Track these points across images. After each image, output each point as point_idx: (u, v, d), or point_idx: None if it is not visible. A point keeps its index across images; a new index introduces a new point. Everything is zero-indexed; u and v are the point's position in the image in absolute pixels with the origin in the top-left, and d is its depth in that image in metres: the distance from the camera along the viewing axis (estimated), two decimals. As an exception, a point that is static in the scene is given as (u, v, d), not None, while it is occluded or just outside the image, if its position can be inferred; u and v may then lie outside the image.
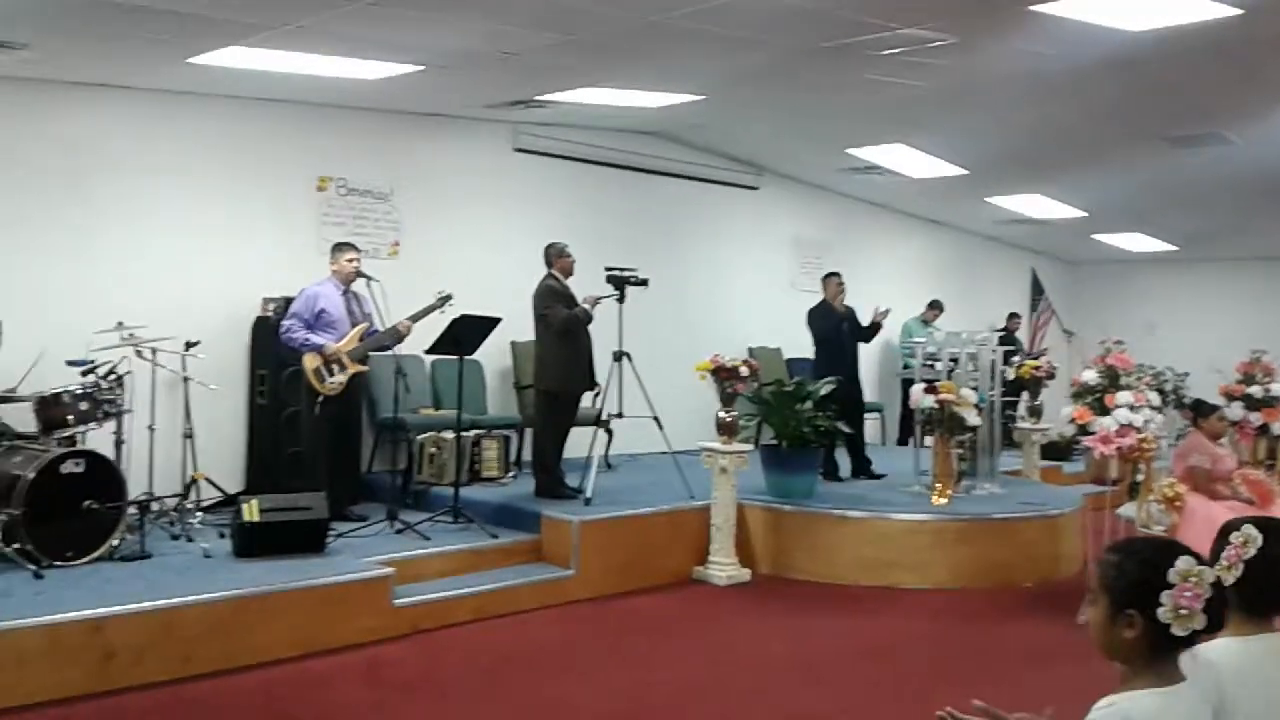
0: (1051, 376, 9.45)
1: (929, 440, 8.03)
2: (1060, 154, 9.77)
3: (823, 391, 7.63)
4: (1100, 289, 15.26)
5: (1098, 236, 13.71)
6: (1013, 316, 12.98)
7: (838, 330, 8.60)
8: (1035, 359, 9.94)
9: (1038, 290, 14.99)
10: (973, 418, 7.61)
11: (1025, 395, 9.63)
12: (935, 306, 11.95)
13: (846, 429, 7.95)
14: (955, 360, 8.39)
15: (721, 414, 7.09)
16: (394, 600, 5.67)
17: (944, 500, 7.51)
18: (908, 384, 10.16)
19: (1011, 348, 9.52)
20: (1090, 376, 6.56)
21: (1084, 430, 6.46)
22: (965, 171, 10.40)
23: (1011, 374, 9.30)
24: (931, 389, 7.59)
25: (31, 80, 6.77)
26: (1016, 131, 9.08)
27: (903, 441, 11.39)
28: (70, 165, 7.00)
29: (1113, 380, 6.50)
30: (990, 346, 8.51)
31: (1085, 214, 12.18)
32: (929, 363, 8.48)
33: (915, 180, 10.78)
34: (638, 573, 6.85)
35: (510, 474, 8.08)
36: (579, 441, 7.61)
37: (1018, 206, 12.08)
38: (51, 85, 6.89)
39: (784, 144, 10.22)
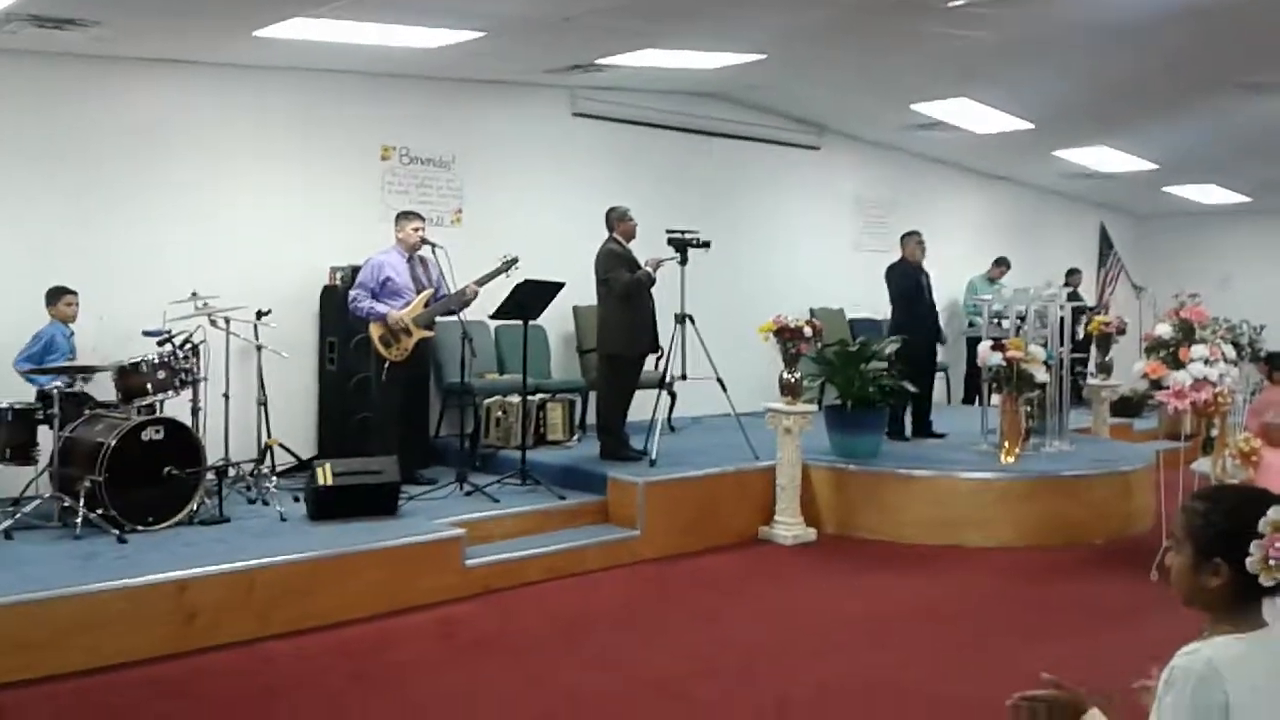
0: (1122, 332, 9.29)
1: (995, 399, 7.94)
2: (1129, 104, 9.52)
3: (888, 350, 7.57)
4: (1171, 242, 14.89)
5: (1168, 189, 13.37)
6: (1073, 273, 12.73)
7: (918, 288, 8.51)
8: (1103, 314, 9.76)
9: (1106, 245, 14.68)
10: (1041, 375, 7.51)
11: (1094, 351, 9.48)
12: (1001, 263, 11.76)
13: (912, 388, 7.88)
14: (1022, 317, 8.28)
15: (785, 375, 7.08)
16: (465, 561, 5.77)
17: (1012, 458, 7.43)
18: (973, 342, 10.06)
19: (1080, 303, 9.35)
20: (1164, 330, 6.42)
21: (1157, 385, 6.34)
22: (1031, 125, 10.18)
23: (1082, 331, 9.17)
24: (999, 346, 7.49)
25: (103, 58, 6.90)
26: (1084, 82, 8.85)
27: (968, 400, 11.27)
28: (142, 141, 7.14)
29: (1187, 334, 6.35)
30: (1059, 302, 8.37)
31: (1155, 166, 11.88)
32: (995, 320, 8.38)
33: (979, 135, 10.58)
34: (703, 533, 6.89)
35: (575, 437, 8.15)
36: (642, 404, 7.65)
37: (1085, 160, 11.81)
38: (122, 62, 7.02)
39: (845, 102, 10.08)
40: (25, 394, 6.04)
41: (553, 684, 4.55)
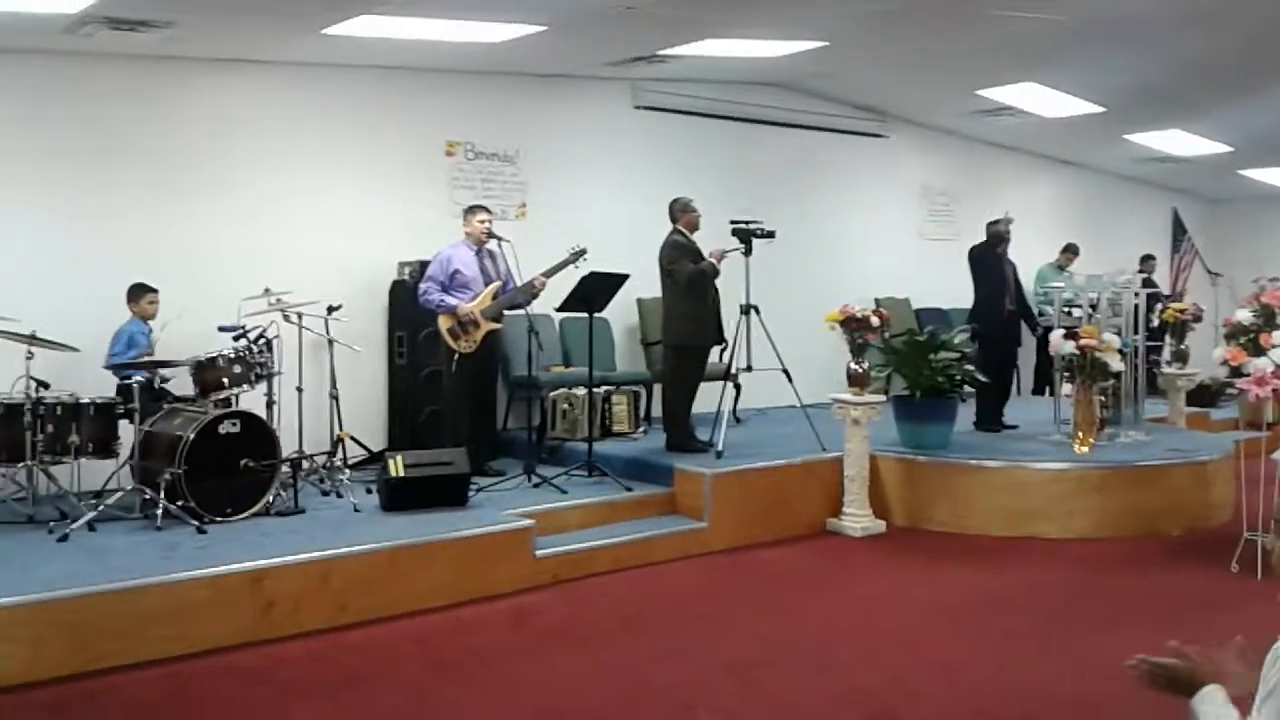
0: (1198, 319, 9.07)
1: (1068, 388, 7.80)
2: (1203, 86, 9.29)
3: (957, 339, 7.47)
4: (1247, 227, 14.50)
5: (1245, 172, 13.03)
6: (1147, 259, 12.45)
7: (1003, 277, 8.37)
8: (1178, 301, 9.55)
9: (1180, 230, 14.35)
10: (1116, 363, 7.36)
11: (1169, 340, 9.27)
12: (1070, 250, 11.54)
13: (983, 378, 7.77)
14: (1094, 305, 8.12)
15: (852, 365, 7.02)
16: (535, 551, 5.81)
17: (1086, 449, 7.30)
18: (1042, 332, 9.90)
19: (1153, 290, 9.15)
20: (1244, 316, 6.26)
21: (1237, 372, 6.18)
22: (1102, 109, 9.99)
23: (1156, 319, 8.97)
24: (1072, 335, 7.36)
25: (175, 59, 7.05)
26: (1156, 64, 8.65)
27: (1038, 391, 11.09)
28: (213, 140, 7.28)
29: (1268, 319, 6.19)
30: (1133, 290, 8.20)
31: (1230, 149, 11.59)
32: (1067, 309, 8.23)
33: (1048, 120, 10.41)
34: (771, 524, 6.87)
35: (640, 429, 8.16)
36: (707, 396, 7.64)
37: (1158, 144, 11.56)
38: (194, 63, 7.17)
39: (911, 89, 9.97)
40: (106, 389, 6.19)
41: (625, 672, 4.57)
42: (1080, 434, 7.36)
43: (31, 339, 5.72)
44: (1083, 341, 7.27)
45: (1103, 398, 7.68)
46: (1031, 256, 11.47)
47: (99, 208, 6.87)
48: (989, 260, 8.38)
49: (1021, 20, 7.05)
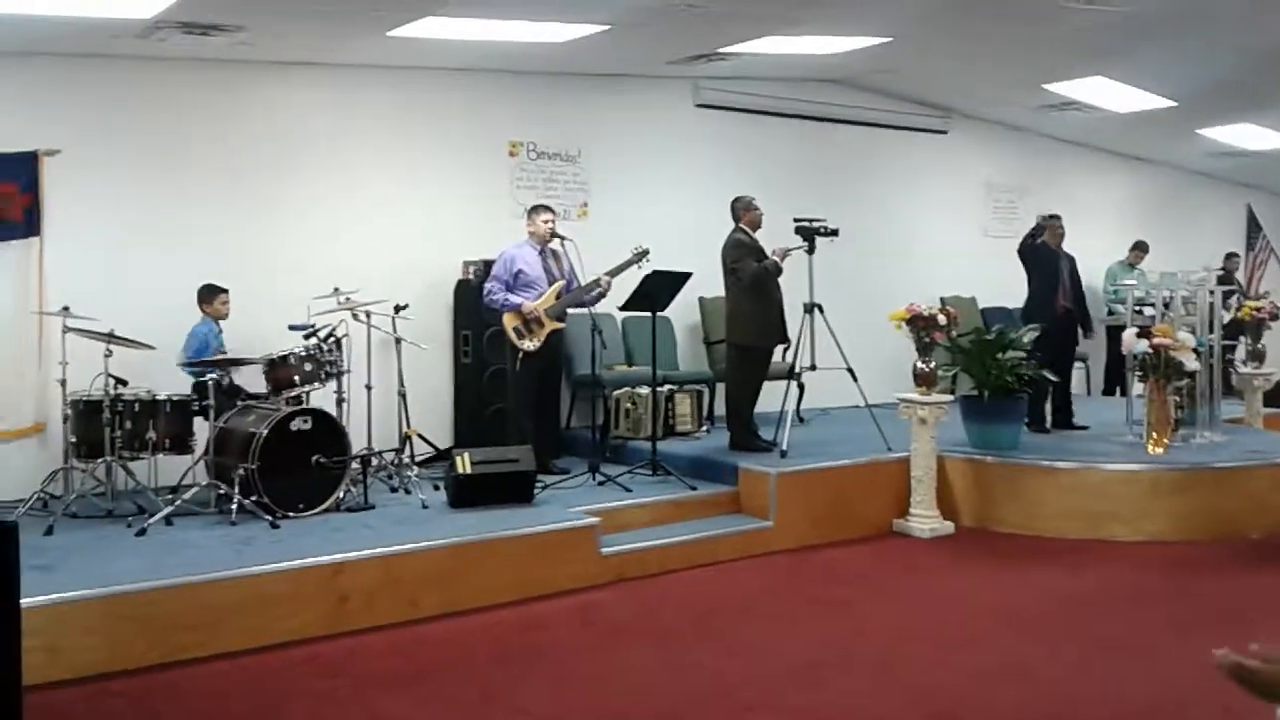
0: (1275, 318, 8.85)
1: (1140, 388, 7.65)
2: (1277, 78, 9.05)
3: (1026, 339, 7.36)
4: (1325, 224, 14.12)
5: (1322, 167, 12.69)
6: (1231, 256, 12.16)
7: (1055, 273, 8.24)
8: (1255, 300, 9.32)
9: (1254, 227, 13.99)
10: (1191, 362, 7.21)
11: (1245, 339, 9.06)
12: (1140, 248, 11.32)
13: (1053, 377, 7.64)
14: (1167, 304, 7.96)
15: (919, 364, 6.94)
16: (600, 549, 5.82)
17: (1160, 450, 7.15)
18: (1113, 331, 9.73)
19: (1230, 288, 8.94)
20: (1326, 313, 6.09)
21: (1319, 371, 6.02)
22: (1173, 103, 9.77)
23: (1229, 317, 8.77)
24: (1145, 333, 7.21)
25: (245, 62, 7.18)
26: (1231, 56, 8.44)
27: (1108, 391, 10.90)
28: (281, 142, 7.41)
29: (1351, 317, 6.02)
30: (1208, 288, 8.02)
31: (1308, 143, 11.29)
32: (1139, 307, 8.08)
33: (1117, 115, 10.21)
34: (837, 524, 6.82)
35: (704, 428, 8.15)
36: (770, 396, 7.60)
37: (1231, 138, 11.28)
38: (262, 66, 7.29)
39: (975, 84, 9.84)
40: (181, 387, 6.32)
41: (692, 670, 4.56)
42: (1154, 435, 7.21)
43: (110, 337, 5.86)
44: (1156, 340, 7.13)
45: (1177, 398, 7.53)
46: (1100, 254, 11.29)
47: (172, 209, 7.02)
48: (1038, 254, 8.24)
49: (1090, 12, 6.93)
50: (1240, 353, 9.15)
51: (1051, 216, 8.45)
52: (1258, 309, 8.84)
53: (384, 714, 4.07)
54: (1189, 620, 5.27)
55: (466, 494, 6.06)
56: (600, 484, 6.70)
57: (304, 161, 7.49)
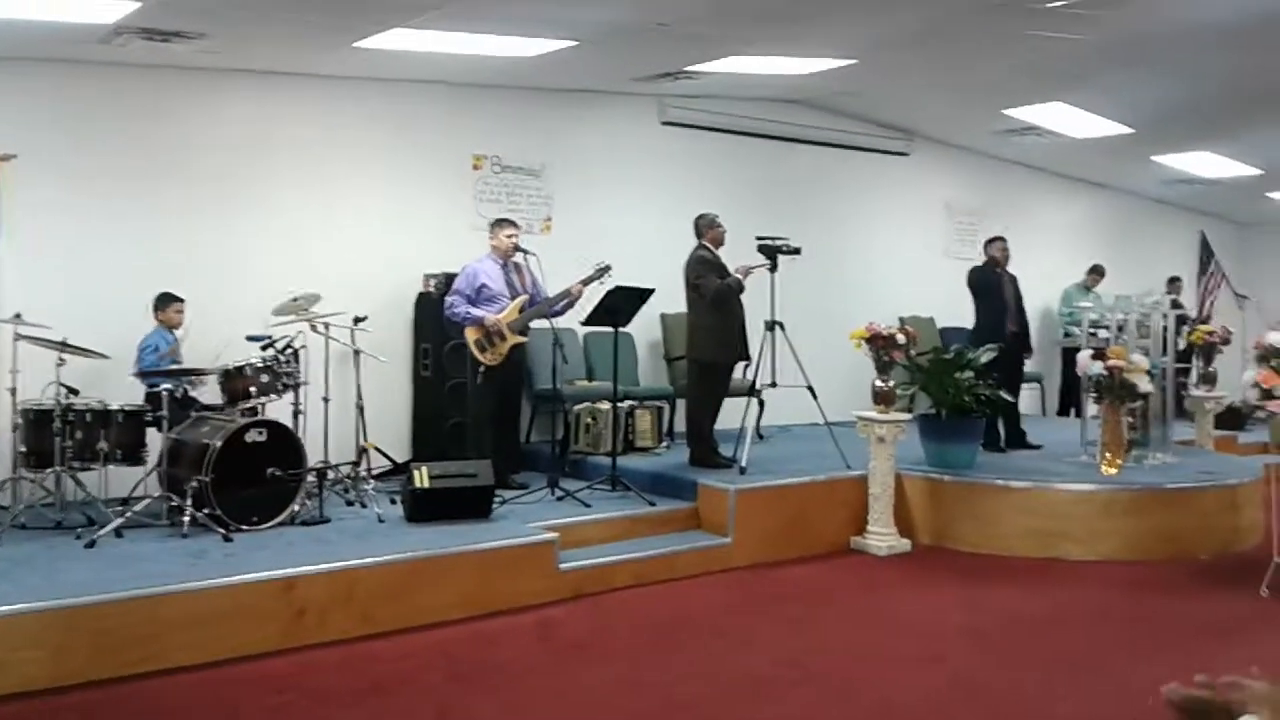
0: (1226, 342, 9.01)
1: (1095, 409, 7.74)
2: (1233, 108, 9.25)
3: (983, 359, 7.44)
4: (1276, 251, 14.40)
5: (1273, 195, 12.94)
6: (1173, 281, 12.37)
7: (997, 290, 8.35)
8: (1205, 324, 9.47)
9: (1207, 253, 14.25)
10: (1145, 384, 7.30)
11: (1197, 362, 9.20)
12: (1096, 271, 11.49)
13: (1009, 397, 7.73)
14: (1121, 327, 8.07)
15: (878, 382, 6.99)
16: (559, 564, 5.80)
17: (1114, 470, 7.23)
18: (1069, 352, 9.85)
19: (1181, 312, 9.09)
20: (1276, 339, 6.20)
21: (1269, 395, 6.12)
22: (1130, 130, 9.94)
23: (1184, 341, 8.92)
24: (1100, 355, 7.31)
25: (207, 70, 7.11)
26: (1185, 85, 8.62)
27: (1063, 412, 11.03)
28: (243, 151, 7.35)
29: (1300, 342, 6.13)
30: (1161, 311, 8.15)
31: (1260, 172, 11.54)
32: (1094, 329, 8.19)
33: (1076, 140, 10.38)
34: (795, 541, 6.84)
35: (664, 444, 8.15)
36: (730, 412, 7.62)
37: (1187, 166, 11.50)
38: (225, 74, 7.23)
39: (937, 107, 9.96)
40: (134, 397, 6.23)
41: (649, 687, 4.54)
42: (1108, 455, 7.30)
43: (63, 345, 5.77)
44: (1111, 362, 7.22)
45: (1131, 419, 7.63)
46: (1056, 276, 11.45)
47: (130, 217, 6.93)
48: (990, 281, 8.37)
49: (1050, 40, 7.04)
50: (1193, 376, 9.30)
51: (995, 238, 8.59)
52: (1210, 333, 8.99)
53: (336, 730, 4.03)
54: (1143, 640, 5.32)
55: (424, 508, 6.01)
56: (559, 499, 6.68)
57: (266, 171, 7.43)
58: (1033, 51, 7.50)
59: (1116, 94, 8.99)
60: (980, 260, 8.79)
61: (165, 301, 6.59)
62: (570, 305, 6.96)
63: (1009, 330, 8.34)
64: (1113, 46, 7.33)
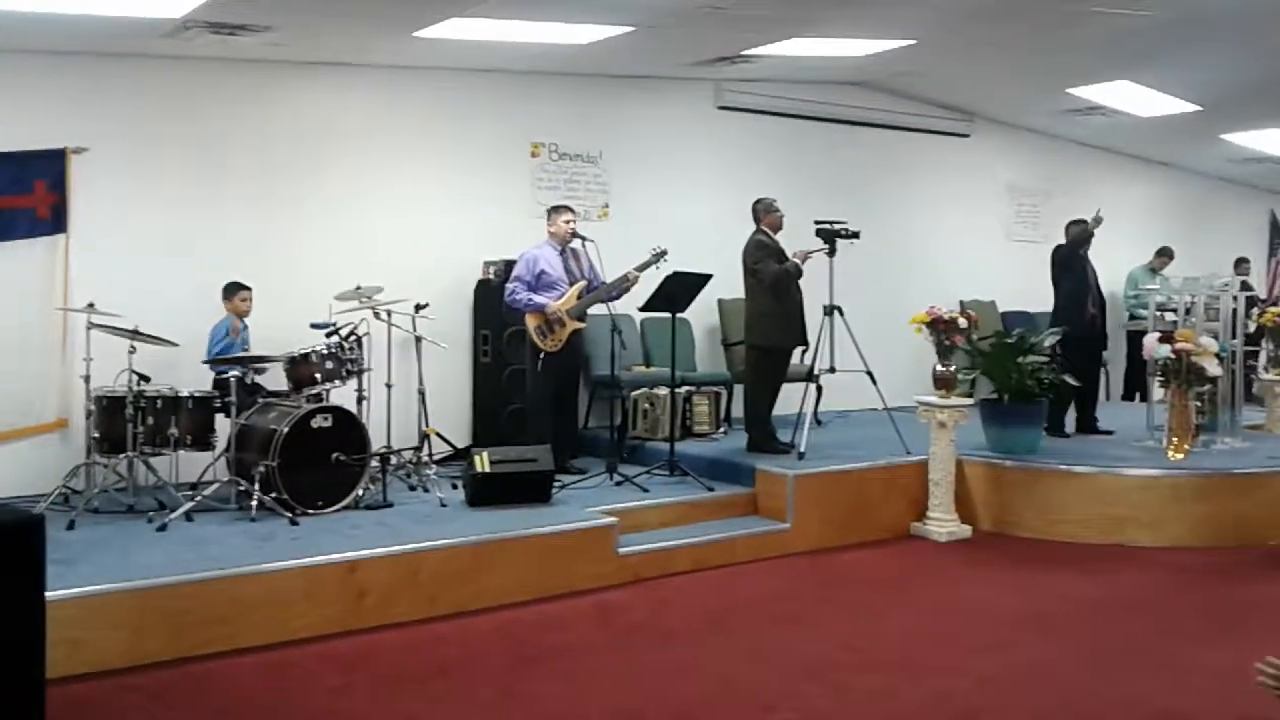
0: (1298, 324, 8.79)
1: (1161, 393, 7.61)
2: (1308, 84, 9.00)
3: (1047, 343, 7.34)
4: (1349, 230, 14.00)
5: (1348, 173, 12.60)
6: (1240, 262, 12.07)
7: (1084, 277, 8.19)
8: (1275, 305, 9.25)
9: (1276, 234, 13.88)
10: (1213, 368, 7.16)
11: (1267, 345, 9.00)
12: (1164, 254, 11.23)
13: (1074, 382, 7.62)
14: (1189, 309, 7.91)
15: (939, 367, 6.93)
16: (618, 549, 5.83)
17: (1181, 455, 7.10)
18: (1134, 336, 9.68)
19: (1250, 294, 8.88)
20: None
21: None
22: (1198, 108, 9.72)
23: (1253, 323, 8.72)
24: (1167, 338, 7.17)
25: (270, 62, 7.22)
26: (1256, 61, 8.38)
27: (1128, 396, 10.84)
28: (306, 142, 7.45)
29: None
30: (1230, 293, 7.97)
31: (1334, 149, 11.21)
32: (1161, 312, 8.04)
33: (1142, 119, 10.16)
34: (854, 527, 6.81)
35: (721, 429, 8.15)
36: (789, 398, 7.60)
37: (1257, 143, 11.20)
38: (289, 66, 7.34)
39: (999, 87, 9.80)
40: (203, 384, 6.36)
41: (710, 670, 4.56)
42: (1175, 440, 7.17)
43: (134, 334, 5.91)
44: (1178, 345, 7.09)
45: (1198, 403, 7.49)
46: (1121, 259, 11.23)
47: (196, 207, 7.06)
48: (1074, 262, 8.20)
49: (1117, 17, 6.90)
50: (1262, 359, 9.09)
51: (1078, 220, 8.37)
52: (1280, 315, 8.78)
53: (401, 710, 4.10)
54: (1209, 627, 5.24)
55: (485, 493, 6.08)
56: (618, 484, 6.71)
57: (328, 161, 7.54)
58: (1097, 29, 7.36)
59: (1184, 71, 8.78)
60: (1061, 240, 8.60)
61: (232, 290, 6.72)
62: (626, 291, 6.97)
63: (1090, 313, 8.19)
64: (1181, 22, 7.16)
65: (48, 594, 3.41)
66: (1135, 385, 10.58)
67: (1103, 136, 11.30)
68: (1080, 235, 8.20)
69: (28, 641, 3.29)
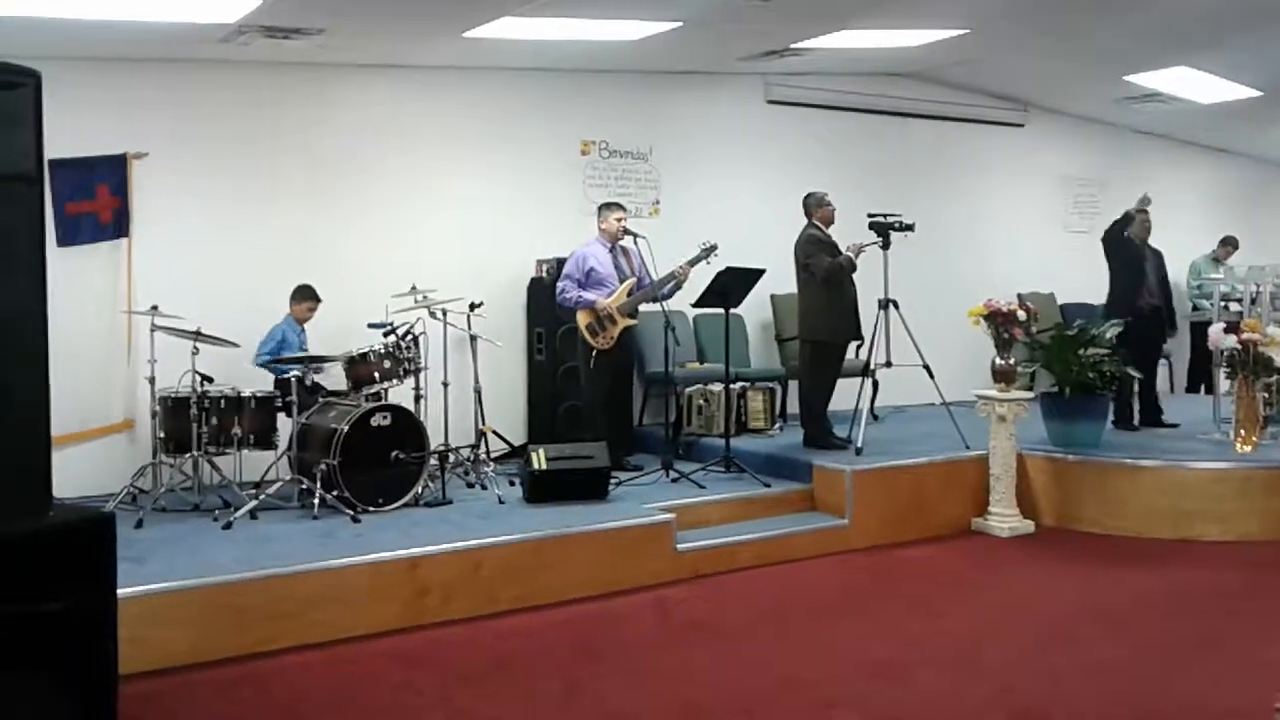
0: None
1: (1227, 385, 7.45)
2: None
3: (1109, 334, 7.22)
4: None
5: None
6: None
7: (1140, 267, 8.03)
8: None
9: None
10: (1281, 358, 7.00)
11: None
12: (1228, 243, 11.00)
13: (1136, 374, 7.48)
14: (1254, 299, 7.74)
15: (998, 360, 6.83)
16: (676, 545, 5.82)
17: (1249, 447, 6.96)
18: (1197, 327, 9.49)
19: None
20: None
21: None
22: (1259, 93, 9.51)
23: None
24: (1233, 329, 7.02)
25: (324, 64, 7.30)
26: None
27: (1192, 389, 10.63)
28: (359, 143, 7.52)
29: None
30: (1298, 281, 7.79)
31: (1403, 133, 10.92)
32: (1225, 302, 7.87)
33: (1201, 106, 9.97)
34: (914, 523, 6.74)
35: (776, 425, 8.11)
36: (844, 393, 7.54)
37: (1321, 128, 10.95)
38: (341, 68, 7.41)
39: (1054, 76, 9.65)
40: (264, 384, 6.44)
41: (771, 666, 4.53)
42: (1243, 432, 7.02)
43: (197, 335, 6.00)
44: (1245, 335, 6.94)
45: (1266, 394, 7.32)
46: (1183, 248, 11.01)
47: (253, 210, 7.16)
48: (1120, 246, 8.02)
49: (1176, 2, 6.77)
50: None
51: (1140, 210, 8.20)
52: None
53: (464, 706, 4.12)
54: (1278, 622, 5.11)
55: (542, 489, 6.10)
56: (674, 481, 6.70)
57: (381, 162, 7.60)
58: (1154, 15, 7.22)
59: (1246, 56, 8.60)
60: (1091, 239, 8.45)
61: (306, 295, 6.77)
62: (679, 287, 6.96)
63: (1146, 303, 8.03)
64: (1243, 6, 7.01)
65: (118, 591, 3.46)
66: (1200, 377, 10.38)
67: (1161, 124, 11.10)
68: (1122, 217, 8.05)
69: (101, 638, 3.35)
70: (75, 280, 6.55)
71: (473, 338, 7.00)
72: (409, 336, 6.46)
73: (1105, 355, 7.21)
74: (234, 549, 5.16)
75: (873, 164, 9.60)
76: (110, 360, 6.72)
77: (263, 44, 6.58)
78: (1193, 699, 4.15)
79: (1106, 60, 8.88)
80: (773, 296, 8.83)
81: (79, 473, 6.37)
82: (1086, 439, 7.14)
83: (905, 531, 6.68)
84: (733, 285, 6.97)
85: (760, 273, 7.09)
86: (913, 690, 4.27)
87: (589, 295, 6.97)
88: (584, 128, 8.46)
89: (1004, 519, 6.81)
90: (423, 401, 6.53)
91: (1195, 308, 10.44)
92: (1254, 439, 7.02)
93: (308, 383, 6.37)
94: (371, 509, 5.86)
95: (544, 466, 6.12)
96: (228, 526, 5.55)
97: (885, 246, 7.31)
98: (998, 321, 6.80)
